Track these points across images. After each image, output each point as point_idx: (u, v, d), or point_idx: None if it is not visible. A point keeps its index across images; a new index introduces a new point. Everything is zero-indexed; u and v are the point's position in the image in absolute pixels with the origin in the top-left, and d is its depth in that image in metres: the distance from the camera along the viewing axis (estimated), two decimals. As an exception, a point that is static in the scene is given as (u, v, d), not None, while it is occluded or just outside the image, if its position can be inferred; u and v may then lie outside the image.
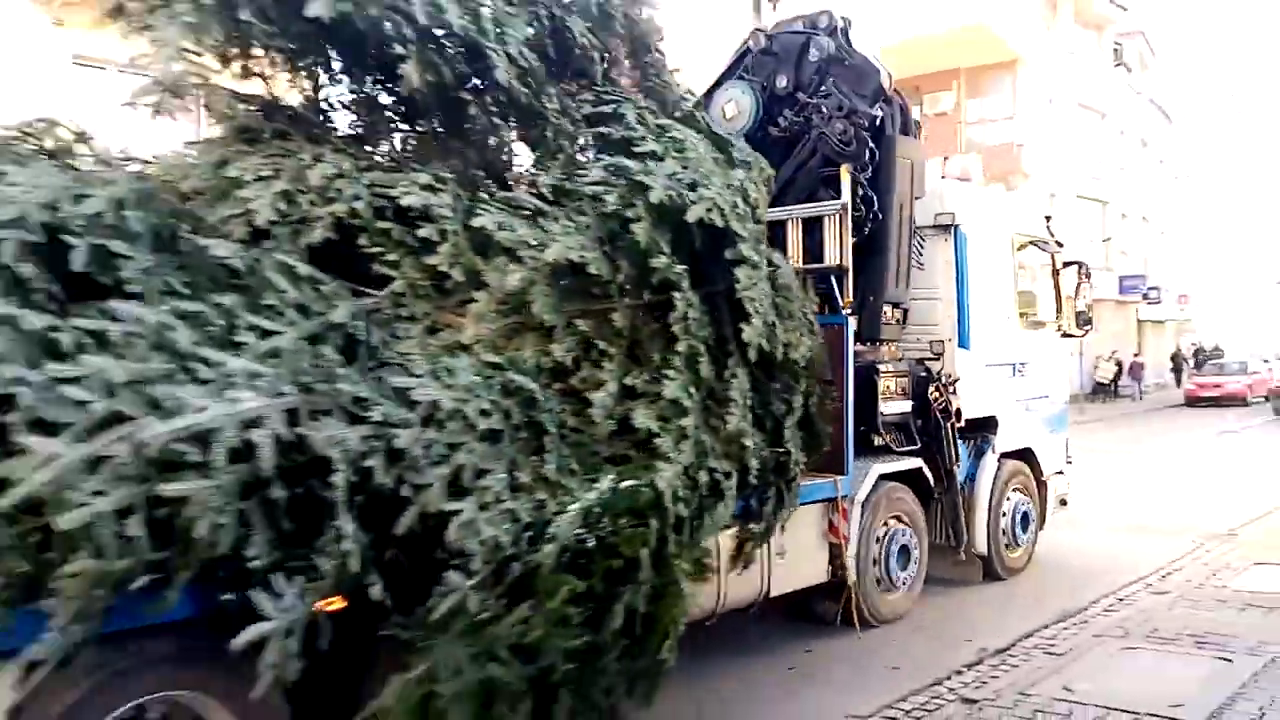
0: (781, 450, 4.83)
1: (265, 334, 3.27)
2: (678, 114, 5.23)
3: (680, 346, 4.16)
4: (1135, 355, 34.44)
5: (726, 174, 4.66)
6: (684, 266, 4.22)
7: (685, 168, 4.38)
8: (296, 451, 3.04)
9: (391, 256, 3.86)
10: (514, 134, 4.70)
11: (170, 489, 2.76)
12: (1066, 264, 8.82)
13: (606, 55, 5.06)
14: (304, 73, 4.48)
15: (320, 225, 3.78)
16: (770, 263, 4.80)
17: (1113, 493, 12.72)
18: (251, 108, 4.31)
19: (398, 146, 4.77)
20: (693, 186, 4.27)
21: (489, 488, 3.38)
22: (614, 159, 4.42)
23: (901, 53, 27.09)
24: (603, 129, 4.72)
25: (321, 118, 4.63)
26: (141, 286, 3.17)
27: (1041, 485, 8.51)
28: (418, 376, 3.43)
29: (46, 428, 2.72)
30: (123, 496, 2.70)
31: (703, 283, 4.42)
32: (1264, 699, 5.13)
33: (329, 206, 3.82)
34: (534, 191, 4.45)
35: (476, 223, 3.94)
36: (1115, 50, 35.60)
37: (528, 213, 4.17)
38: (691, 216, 4.17)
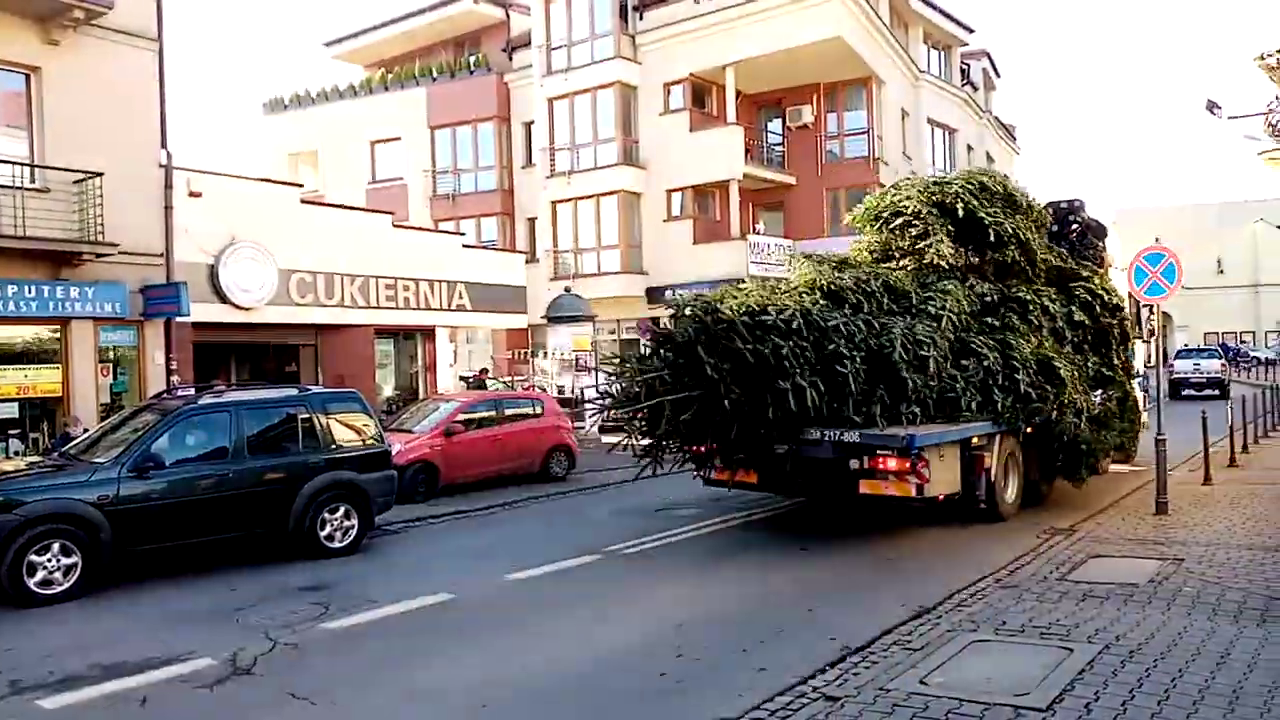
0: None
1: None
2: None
3: (1115, 347, 13.57)
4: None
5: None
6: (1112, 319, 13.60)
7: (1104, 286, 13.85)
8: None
9: (1012, 314, 12.02)
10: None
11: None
12: (1144, 304, 14.66)
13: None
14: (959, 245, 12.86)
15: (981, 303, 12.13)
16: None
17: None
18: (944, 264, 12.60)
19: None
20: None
21: (1081, 391, 12.01)
22: (1087, 284, 13.31)
23: (765, 65, 27.89)
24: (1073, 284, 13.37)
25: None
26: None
27: (1140, 416, 15.44)
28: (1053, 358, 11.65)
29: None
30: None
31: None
32: (1099, 683, 5.46)
33: (984, 298, 12.15)
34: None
35: (1043, 303, 12.38)
36: (963, 70, 37.47)
37: (1051, 298, 12.58)
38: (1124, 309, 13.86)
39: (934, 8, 33.83)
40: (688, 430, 9.73)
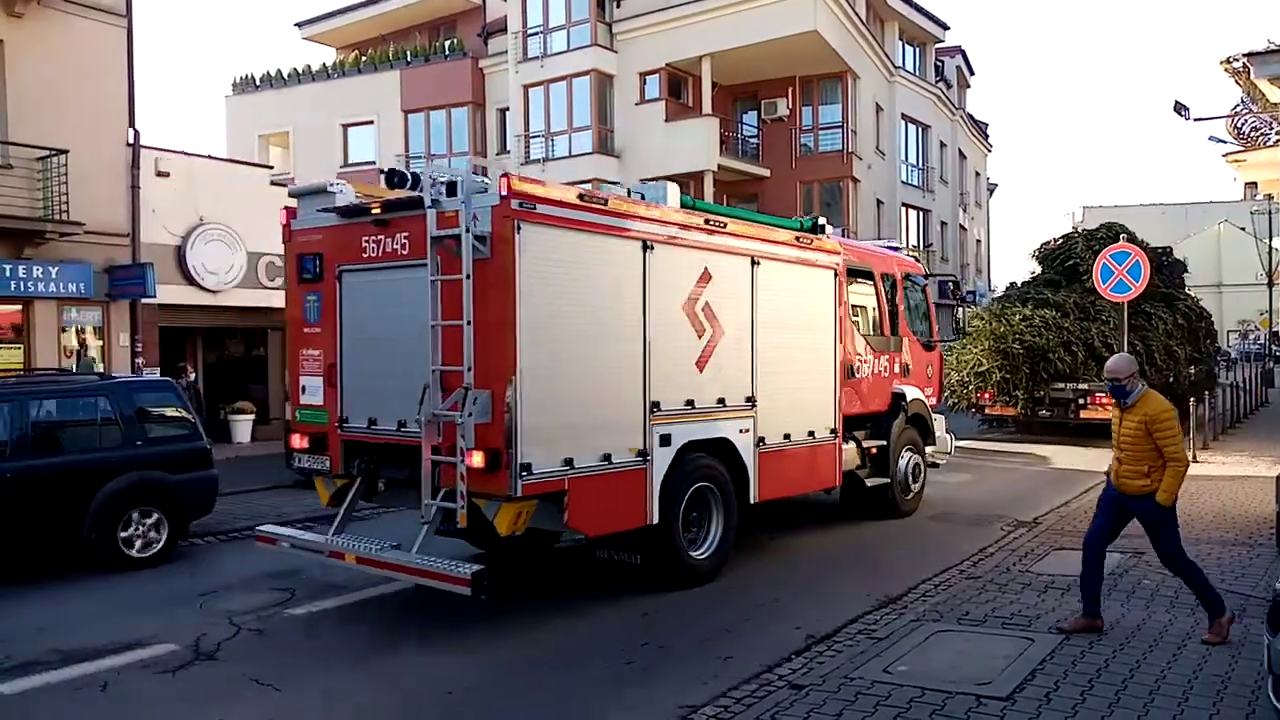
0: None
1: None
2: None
3: (1201, 339, 21.95)
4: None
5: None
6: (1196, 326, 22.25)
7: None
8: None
9: (1143, 320, 19.14)
10: None
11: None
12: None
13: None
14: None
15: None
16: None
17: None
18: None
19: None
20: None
21: (1185, 365, 20.60)
22: (1185, 301, 21.55)
23: (741, 57, 27.89)
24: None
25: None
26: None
27: (1215, 384, 23.57)
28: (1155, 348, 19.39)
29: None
30: None
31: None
32: (1059, 673, 5.55)
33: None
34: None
35: (1159, 314, 19.70)
36: (937, 67, 37.69)
37: (1164, 310, 19.98)
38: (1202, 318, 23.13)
39: (910, 4, 33.99)
40: (1001, 385, 18.64)
